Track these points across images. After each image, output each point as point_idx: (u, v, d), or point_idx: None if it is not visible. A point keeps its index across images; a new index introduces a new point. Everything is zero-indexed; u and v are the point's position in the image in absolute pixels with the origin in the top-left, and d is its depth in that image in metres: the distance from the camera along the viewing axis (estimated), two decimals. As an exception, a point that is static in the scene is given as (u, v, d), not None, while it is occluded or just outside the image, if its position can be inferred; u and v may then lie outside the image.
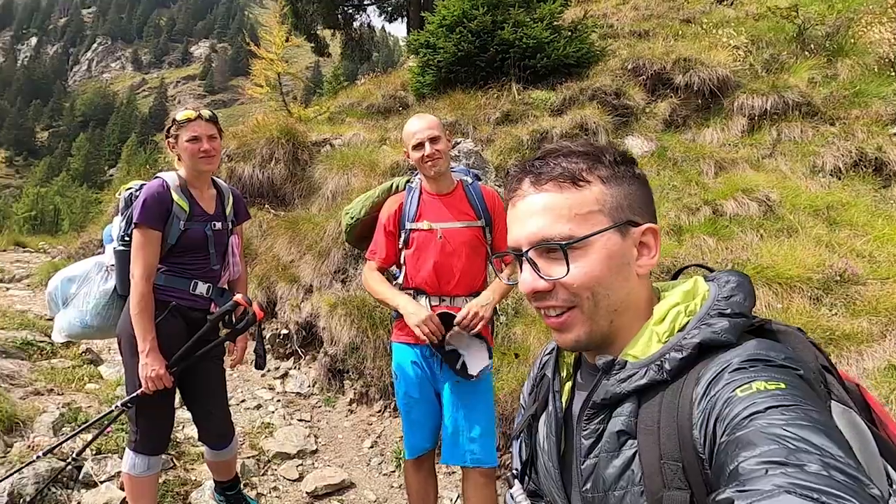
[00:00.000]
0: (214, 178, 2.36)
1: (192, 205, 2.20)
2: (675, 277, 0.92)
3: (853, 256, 3.86)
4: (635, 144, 6.02)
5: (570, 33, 6.95)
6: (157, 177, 2.20)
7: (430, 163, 2.08)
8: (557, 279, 0.76)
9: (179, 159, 2.23)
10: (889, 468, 0.64)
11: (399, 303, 2.07)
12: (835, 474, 0.48)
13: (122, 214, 2.23)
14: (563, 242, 0.75)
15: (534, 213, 0.78)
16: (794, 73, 6.21)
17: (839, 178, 5.13)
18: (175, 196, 2.14)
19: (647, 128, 6.19)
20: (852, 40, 6.49)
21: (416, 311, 2.00)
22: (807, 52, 6.55)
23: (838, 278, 3.58)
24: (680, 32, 7.59)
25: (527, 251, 0.78)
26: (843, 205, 4.63)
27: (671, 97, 6.45)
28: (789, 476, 0.48)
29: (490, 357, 2.06)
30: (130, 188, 2.27)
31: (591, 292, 0.75)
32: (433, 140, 2.07)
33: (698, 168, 5.48)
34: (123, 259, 2.18)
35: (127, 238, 2.17)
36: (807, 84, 6.05)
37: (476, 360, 2.03)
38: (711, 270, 0.85)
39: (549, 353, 0.95)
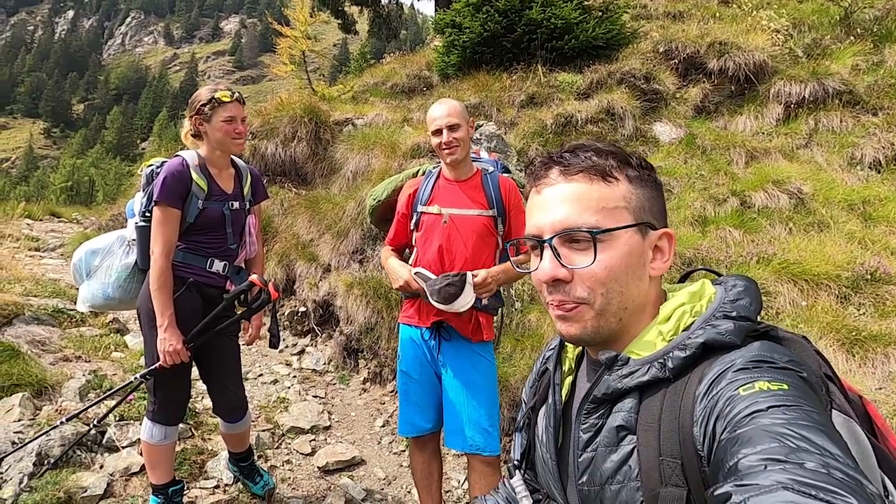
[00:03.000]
0: (233, 157, 2.38)
1: (211, 184, 2.23)
2: (682, 280, 0.90)
3: (887, 254, 3.71)
4: (663, 131, 5.85)
5: (600, 14, 6.74)
6: (177, 155, 2.22)
7: (446, 150, 2.11)
8: (581, 268, 0.76)
9: (199, 137, 2.25)
10: (887, 481, 0.63)
11: (389, 265, 2.22)
12: (834, 472, 0.48)
13: (143, 190, 2.28)
14: (594, 230, 0.75)
15: (561, 200, 0.78)
16: (836, 60, 5.91)
17: (878, 172, 4.91)
18: (194, 175, 2.17)
19: (677, 114, 6.01)
20: (902, 25, 6.14)
21: (398, 273, 2.14)
22: (852, 37, 6.22)
23: (869, 277, 3.45)
24: (717, 14, 7.29)
25: (550, 238, 0.77)
26: (881, 200, 4.44)
27: (703, 82, 6.23)
28: (788, 472, 0.49)
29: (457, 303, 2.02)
30: (152, 165, 2.31)
31: (606, 289, 0.76)
32: (451, 128, 2.09)
33: (728, 157, 5.31)
34: (144, 234, 2.23)
35: (148, 214, 2.22)
36: (850, 71, 5.77)
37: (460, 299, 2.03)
38: (719, 275, 0.86)
39: (552, 349, 0.96)
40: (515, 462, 0.97)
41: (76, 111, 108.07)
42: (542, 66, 6.54)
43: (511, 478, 0.95)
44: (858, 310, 3.33)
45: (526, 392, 1.02)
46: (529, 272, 0.82)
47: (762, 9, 6.93)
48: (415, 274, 2.08)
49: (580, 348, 0.91)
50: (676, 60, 6.39)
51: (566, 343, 0.93)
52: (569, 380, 0.90)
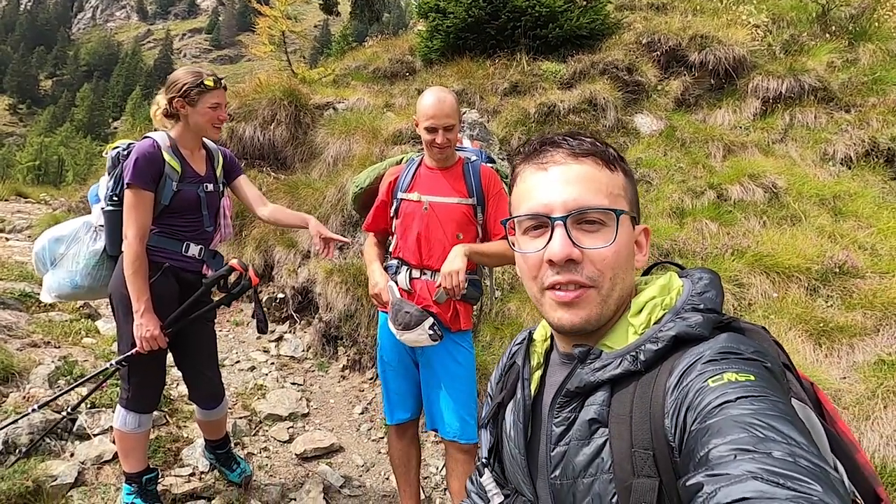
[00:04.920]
0: (204, 139, 2.32)
1: (184, 166, 2.17)
2: (645, 273, 0.92)
3: (855, 248, 3.83)
4: (644, 123, 5.90)
5: (584, 3, 6.71)
6: (146, 137, 2.15)
7: (437, 150, 2.08)
8: (595, 249, 0.75)
9: (171, 118, 2.19)
10: (838, 463, 0.66)
11: (370, 270, 2.20)
12: (800, 461, 0.50)
13: (109, 174, 2.20)
14: (617, 210, 0.76)
15: (572, 180, 0.77)
16: (813, 56, 6.02)
17: (849, 168, 5.05)
18: (167, 156, 2.11)
19: (658, 106, 6.06)
20: (877, 24, 6.28)
21: (376, 281, 2.14)
22: (828, 35, 6.34)
23: (837, 270, 3.56)
24: (699, 7, 7.34)
25: (564, 217, 0.76)
26: (851, 195, 4.57)
27: (684, 75, 6.29)
28: (757, 462, 0.50)
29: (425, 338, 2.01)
30: (118, 147, 2.23)
31: (613, 273, 0.77)
32: (448, 129, 2.04)
33: (706, 150, 5.39)
34: (113, 219, 2.16)
35: (116, 198, 2.15)
36: (825, 68, 5.88)
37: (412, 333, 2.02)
38: (682, 268, 0.87)
39: (519, 343, 0.96)
40: (484, 460, 0.97)
41: (44, 87, 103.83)
42: (526, 54, 6.51)
43: (480, 476, 0.95)
44: (826, 302, 3.43)
45: (492, 387, 1.02)
46: (526, 253, 0.80)
47: (743, 3, 7.00)
48: (388, 286, 2.08)
49: (549, 342, 0.91)
50: (659, 52, 6.42)
51: (535, 337, 0.93)
52: (537, 374, 0.90)
